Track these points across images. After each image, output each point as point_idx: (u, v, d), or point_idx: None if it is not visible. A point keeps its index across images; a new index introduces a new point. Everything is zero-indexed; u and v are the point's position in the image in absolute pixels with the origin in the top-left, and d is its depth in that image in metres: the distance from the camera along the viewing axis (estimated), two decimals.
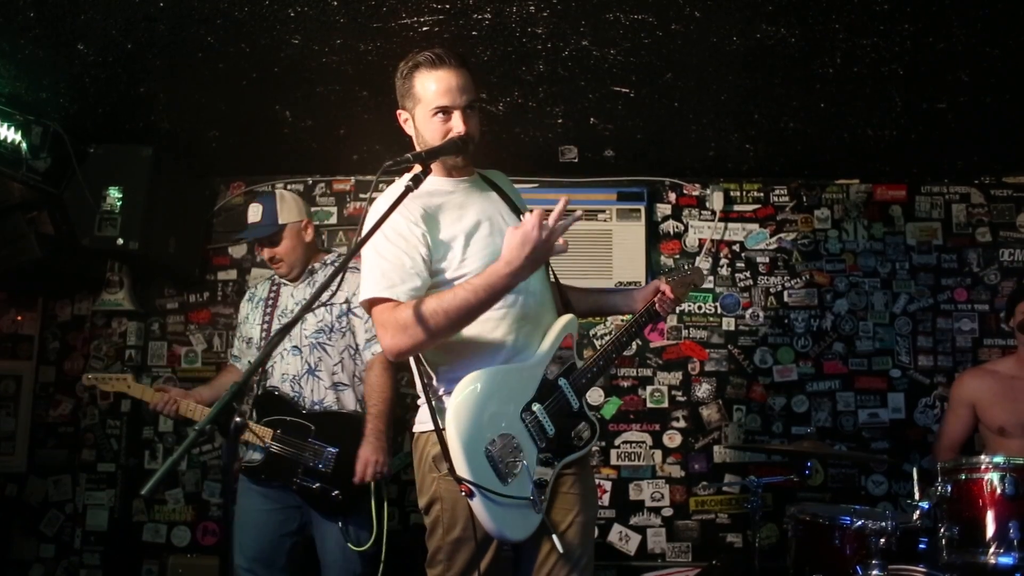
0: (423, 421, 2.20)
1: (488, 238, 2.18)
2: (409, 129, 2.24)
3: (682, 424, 4.13)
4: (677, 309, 4.06)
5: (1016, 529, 2.43)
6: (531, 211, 2.01)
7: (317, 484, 2.88)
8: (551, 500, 2.17)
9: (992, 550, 2.45)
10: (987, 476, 2.53)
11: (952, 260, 4.18)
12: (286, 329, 1.59)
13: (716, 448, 4.10)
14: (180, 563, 3.96)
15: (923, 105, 3.41)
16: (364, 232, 1.91)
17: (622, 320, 4.17)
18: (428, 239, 2.09)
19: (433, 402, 2.14)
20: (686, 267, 2.64)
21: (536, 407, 2.14)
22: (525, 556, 2.21)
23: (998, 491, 2.50)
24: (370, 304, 2.08)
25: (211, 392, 3.24)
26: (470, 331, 2.10)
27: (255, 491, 2.99)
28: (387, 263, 2.05)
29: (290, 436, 2.93)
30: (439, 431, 2.06)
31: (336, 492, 2.87)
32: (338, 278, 1.73)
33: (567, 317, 2.27)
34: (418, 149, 2.14)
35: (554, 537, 2.09)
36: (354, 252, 1.85)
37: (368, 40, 2.98)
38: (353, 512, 2.93)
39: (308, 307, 1.68)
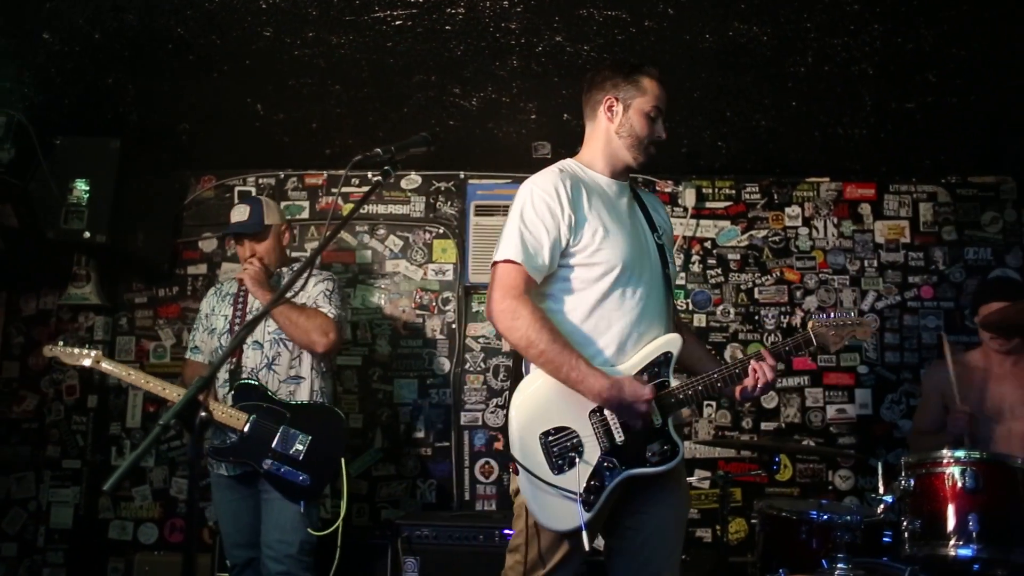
0: None
1: (631, 238, 2.28)
2: (611, 113, 2.36)
3: None
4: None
5: (976, 522, 2.47)
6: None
7: (284, 468, 2.95)
8: (618, 508, 2.20)
9: (952, 542, 2.49)
10: (948, 470, 2.57)
11: (919, 258, 4.25)
12: (250, 326, 1.61)
13: (686, 443, 4.13)
14: (147, 560, 3.91)
15: (892, 104, 3.45)
16: (330, 232, 1.89)
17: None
18: (573, 221, 2.21)
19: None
20: (852, 315, 2.34)
21: (608, 412, 2.17)
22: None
23: (959, 485, 2.54)
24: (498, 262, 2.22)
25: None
26: (584, 323, 2.22)
27: (223, 484, 3.09)
28: (528, 233, 2.19)
29: (265, 421, 2.99)
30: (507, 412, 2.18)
31: (303, 477, 2.95)
32: (302, 277, 1.74)
33: (671, 336, 2.29)
34: (611, 133, 2.35)
35: (583, 537, 2.07)
36: (317, 253, 1.83)
37: (340, 33, 2.96)
38: (313, 499, 3.01)
39: (274, 303, 1.67)
